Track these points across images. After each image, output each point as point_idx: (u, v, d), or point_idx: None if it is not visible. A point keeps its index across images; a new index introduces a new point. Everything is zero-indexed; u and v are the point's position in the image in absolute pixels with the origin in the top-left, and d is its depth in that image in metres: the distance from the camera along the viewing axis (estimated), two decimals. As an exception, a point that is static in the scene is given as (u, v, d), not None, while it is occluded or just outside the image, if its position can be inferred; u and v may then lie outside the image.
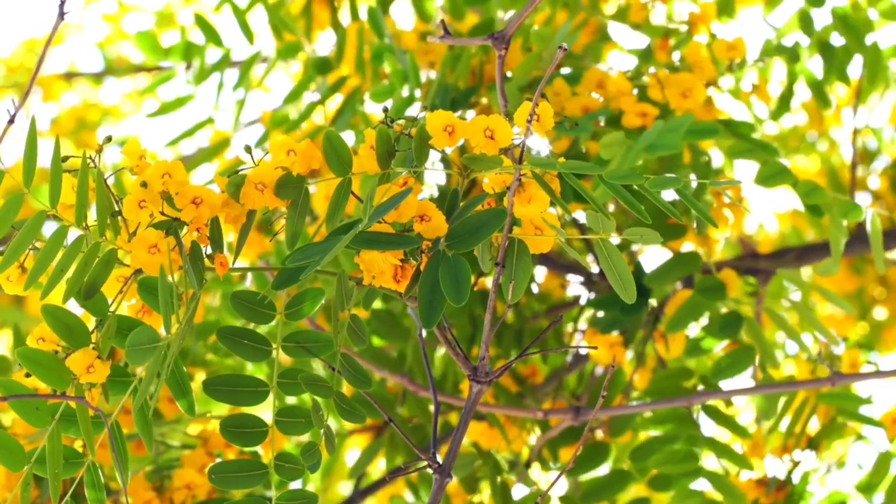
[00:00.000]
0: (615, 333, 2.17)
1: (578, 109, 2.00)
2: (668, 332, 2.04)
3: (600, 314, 2.18)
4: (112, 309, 1.44)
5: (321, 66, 2.31)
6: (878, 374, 2.03)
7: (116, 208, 1.43)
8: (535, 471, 2.24)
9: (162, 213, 1.42)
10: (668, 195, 2.13)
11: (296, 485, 1.62)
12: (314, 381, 1.45)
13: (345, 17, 2.42)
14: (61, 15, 1.54)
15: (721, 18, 2.23)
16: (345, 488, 3.46)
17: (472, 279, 2.23)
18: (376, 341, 2.25)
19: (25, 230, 1.38)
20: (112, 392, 1.47)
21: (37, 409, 1.43)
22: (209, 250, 1.44)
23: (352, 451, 3.18)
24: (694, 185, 1.93)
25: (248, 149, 1.45)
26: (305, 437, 2.28)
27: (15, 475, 1.73)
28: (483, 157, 1.38)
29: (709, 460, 2.10)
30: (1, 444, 1.44)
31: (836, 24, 2.29)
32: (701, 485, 2.06)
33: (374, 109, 2.34)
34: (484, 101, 2.12)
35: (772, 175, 1.93)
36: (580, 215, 2.14)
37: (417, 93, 2.18)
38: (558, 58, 1.33)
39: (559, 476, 1.53)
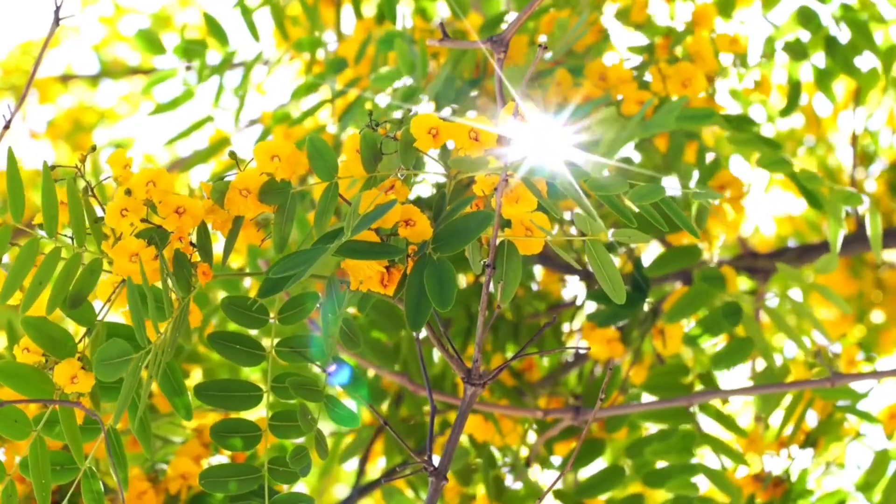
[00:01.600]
0: (613, 328, 2.16)
1: (581, 99, 1.99)
2: (668, 322, 2.03)
3: (599, 307, 2.18)
4: (100, 317, 1.44)
5: (336, 65, 2.30)
6: (877, 374, 2.03)
7: (101, 214, 1.42)
8: (534, 468, 2.24)
9: (146, 221, 1.41)
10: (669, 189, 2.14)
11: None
12: (304, 386, 1.45)
13: (347, 17, 2.42)
14: (56, 21, 1.53)
15: (722, 17, 2.23)
16: (340, 491, 3.46)
17: (469, 277, 2.25)
18: (375, 334, 2.24)
19: None
20: (104, 399, 1.47)
21: (15, 421, 1.42)
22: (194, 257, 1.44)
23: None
24: (677, 193, 1.93)
25: (232, 155, 1.44)
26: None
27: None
28: (468, 158, 1.37)
29: (705, 459, 2.10)
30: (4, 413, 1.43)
31: (842, 19, 2.28)
32: (697, 481, 2.05)
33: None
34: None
35: (773, 162, 1.93)
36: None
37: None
38: (538, 56, 1.33)
39: (558, 478, 1.53)
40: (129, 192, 1.40)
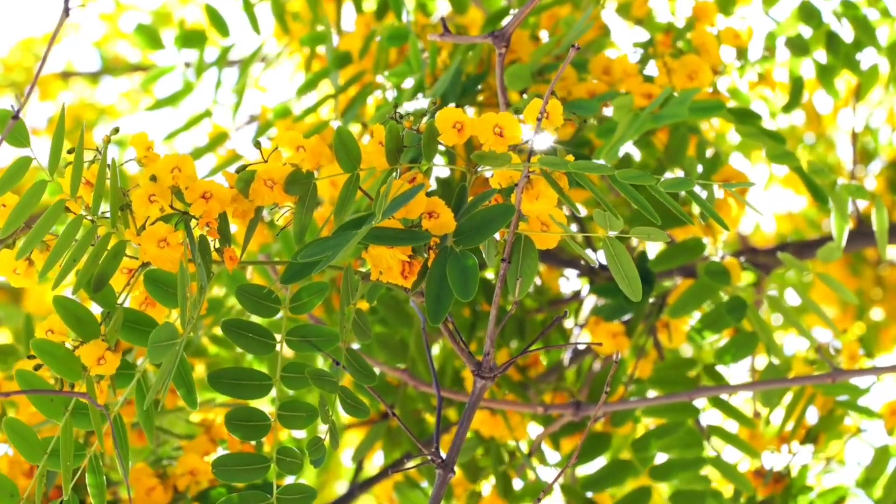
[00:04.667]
0: (618, 322, 2.16)
1: (585, 94, 1.99)
2: (672, 316, 2.04)
3: (603, 302, 2.18)
4: (120, 301, 1.45)
5: (341, 60, 2.30)
6: (877, 370, 2.04)
7: (125, 201, 1.43)
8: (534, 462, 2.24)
9: (171, 207, 1.42)
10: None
11: (293, 479, 1.63)
12: (321, 377, 1.45)
13: (347, 13, 2.42)
14: (66, 11, 1.53)
15: (723, 14, 2.23)
16: (340, 486, 3.46)
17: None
18: (377, 328, 2.24)
19: (46, 217, 1.39)
20: (117, 385, 1.48)
21: (51, 400, 1.44)
22: (216, 244, 1.45)
23: (348, 448, 3.18)
24: (701, 186, 1.93)
25: (257, 144, 1.45)
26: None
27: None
28: (492, 154, 1.38)
29: (710, 452, 2.10)
30: (17, 432, 1.45)
31: (844, 16, 2.29)
32: (706, 473, 2.06)
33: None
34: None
35: (779, 155, 1.94)
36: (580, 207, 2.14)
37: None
38: (570, 56, 1.33)
39: (561, 472, 1.54)
40: (154, 179, 1.41)
